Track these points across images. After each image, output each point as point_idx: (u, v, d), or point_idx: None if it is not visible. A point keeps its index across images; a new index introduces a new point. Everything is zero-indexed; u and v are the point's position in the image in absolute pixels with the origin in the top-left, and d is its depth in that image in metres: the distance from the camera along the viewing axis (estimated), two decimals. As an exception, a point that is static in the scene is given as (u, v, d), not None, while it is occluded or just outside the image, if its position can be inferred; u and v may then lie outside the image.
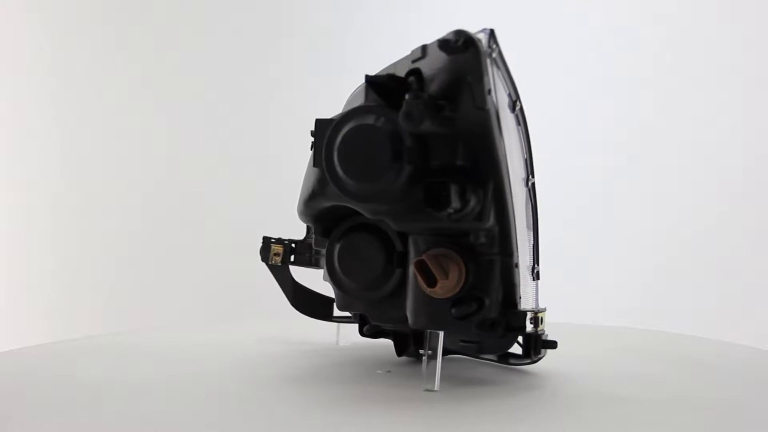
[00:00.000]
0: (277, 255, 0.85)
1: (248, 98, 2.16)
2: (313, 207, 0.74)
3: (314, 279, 0.84)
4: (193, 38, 2.23)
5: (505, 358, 0.78)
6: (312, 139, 0.71)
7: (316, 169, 0.70)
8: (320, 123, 0.69)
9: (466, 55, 0.62)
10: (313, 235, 0.77)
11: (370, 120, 0.65)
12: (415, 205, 0.65)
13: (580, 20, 1.89)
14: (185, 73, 2.22)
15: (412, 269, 0.68)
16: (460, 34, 0.62)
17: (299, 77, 2.13)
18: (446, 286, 0.66)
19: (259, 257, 0.86)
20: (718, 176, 1.79)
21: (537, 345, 0.72)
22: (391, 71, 0.68)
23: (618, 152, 1.80)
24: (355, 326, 0.85)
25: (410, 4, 2.10)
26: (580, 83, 1.82)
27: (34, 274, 2.33)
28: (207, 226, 2.01)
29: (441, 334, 0.68)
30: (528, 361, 0.75)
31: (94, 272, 2.26)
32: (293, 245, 0.85)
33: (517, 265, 0.68)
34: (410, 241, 0.70)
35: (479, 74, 0.63)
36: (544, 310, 0.71)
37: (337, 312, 0.85)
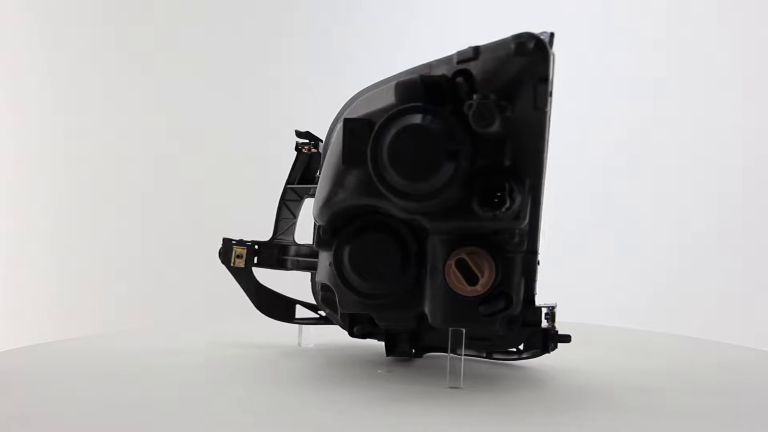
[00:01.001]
0: (240, 257, 0.84)
1: (248, 98, 2.16)
2: (336, 206, 0.72)
3: (276, 281, 0.84)
4: (192, 38, 2.23)
5: (495, 353, 0.81)
6: (297, 139, 0.73)
7: (340, 167, 0.70)
8: (352, 122, 0.68)
9: (535, 57, 0.64)
10: (320, 236, 0.74)
11: (421, 119, 0.65)
12: (456, 203, 0.66)
13: (580, 20, 1.89)
14: (185, 73, 2.22)
15: (449, 267, 0.68)
16: (531, 36, 0.64)
17: (299, 76, 2.13)
18: (482, 284, 0.67)
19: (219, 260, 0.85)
20: (719, 176, 1.79)
21: (554, 340, 0.75)
22: (424, 71, 0.69)
23: (618, 152, 1.80)
24: (316, 327, 0.86)
25: (410, 4, 2.09)
26: (581, 83, 1.82)
27: (34, 274, 2.33)
28: (207, 226, 2.01)
29: (463, 331, 0.69)
30: (519, 356, 0.79)
31: (94, 272, 2.26)
32: (256, 246, 0.85)
33: (539, 262, 0.70)
34: (431, 240, 0.70)
35: (546, 76, 0.65)
36: (555, 306, 0.74)
37: (300, 314, 0.86)
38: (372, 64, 2.04)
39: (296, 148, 0.84)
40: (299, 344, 0.90)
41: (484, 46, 0.66)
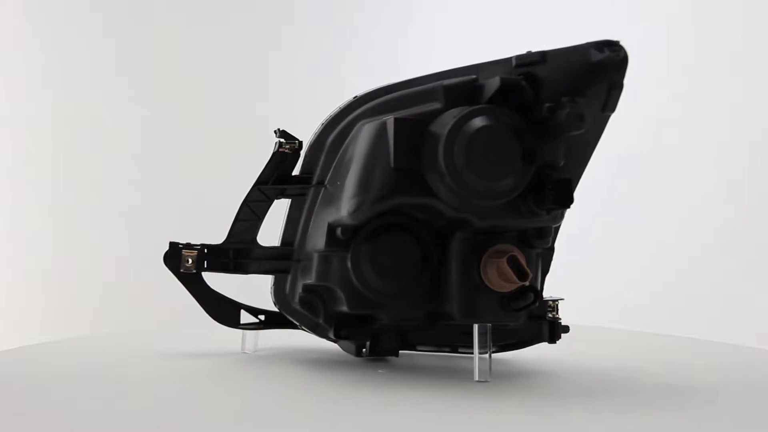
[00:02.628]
0: (190, 262, 0.81)
1: (248, 98, 2.16)
2: (382, 206, 0.71)
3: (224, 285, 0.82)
4: (193, 38, 2.23)
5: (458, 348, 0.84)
6: (279, 139, 0.73)
7: (386, 167, 0.69)
8: (402, 123, 0.69)
9: (614, 64, 0.67)
10: (336, 236, 0.73)
11: (497, 121, 0.67)
12: (513, 201, 0.68)
13: (580, 20, 1.89)
14: (186, 73, 2.22)
15: (493, 264, 0.70)
16: (610, 43, 0.67)
17: (299, 76, 2.13)
18: (530, 280, 0.70)
19: (165, 265, 0.80)
20: (724, 177, 1.79)
21: (558, 331, 0.78)
22: (473, 74, 0.71)
23: (622, 153, 1.79)
24: (255, 332, 0.85)
25: (409, 5, 2.09)
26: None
27: (34, 274, 2.33)
28: (208, 226, 2.00)
29: (489, 326, 0.71)
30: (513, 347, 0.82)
31: (94, 272, 2.26)
32: (206, 250, 0.81)
33: (552, 258, 0.74)
34: (457, 239, 0.71)
35: (621, 82, 0.68)
36: (561, 299, 0.78)
37: (245, 319, 0.84)
38: (372, 64, 2.04)
39: (279, 148, 0.80)
40: (242, 350, 0.86)
41: (552, 51, 0.68)
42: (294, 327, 0.83)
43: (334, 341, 0.83)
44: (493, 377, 0.72)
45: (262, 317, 0.86)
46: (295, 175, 0.80)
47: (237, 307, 0.84)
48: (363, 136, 0.73)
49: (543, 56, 0.68)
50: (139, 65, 2.27)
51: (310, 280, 0.75)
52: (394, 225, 0.72)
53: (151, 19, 2.27)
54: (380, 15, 2.12)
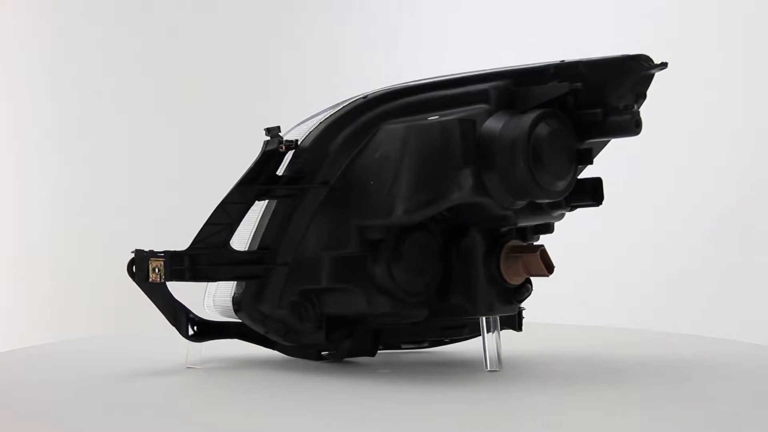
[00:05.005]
0: (157, 271, 0.75)
1: (250, 98, 2.16)
2: (441, 206, 0.72)
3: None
4: (191, 38, 2.23)
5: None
6: (271, 137, 0.73)
7: (443, 167, 0.70)
8: (466, 123, 0.70)
9: (645, 76, 0.73)
10: (368, 238, 0.73)
11: (562, 124, 0.71)
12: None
13: (579, 20, 1.89)
14: (187, 72, 2.22)
15: (516, 259, 0.74)
16: (646, 57, 0.72)
17: (299, 75, 2.13)
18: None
19: (129, 275, 0.74)
20: (718, 176, 1.79)
21: (521, 320, 0.83)
22: (507, 78, 0.74)
23: (618, 151, 1.79)
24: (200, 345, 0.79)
25: (408, 5, 2.09)
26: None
27: (34, 274, 2.33)
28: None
29: (497, 318, 0.75)
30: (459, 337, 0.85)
31: (94, 272, 2.26)
32: (171, 257, 0.75)
33: None
34: (471, 235, 0.75)
35: (646, 92, 0.74)
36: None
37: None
38: (371, 65, 2.04)
39: (279, 146, 0.76)
40: (187, 365, 0.80)
41: (589, 61, 0.73)
42: (231, 336, 0.81)
43: (291, 348, 0.81)
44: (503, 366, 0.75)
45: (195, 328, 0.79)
46: (282, 176, 0.76)
47: (189, 316, 0.79)
48: (408, 135, 0.72)
49: (583, 66, 0.73)
50: (139, 65, 2.27)
51: (314, 283, 0.74)
52: (416, 224, 0.74)
53: (151, 19, 2.27)
54: (380, 15, 2.12)
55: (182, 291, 0.79)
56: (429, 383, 0.74)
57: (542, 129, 0.70)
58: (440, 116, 0.72)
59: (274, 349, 0.83)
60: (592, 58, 0.73)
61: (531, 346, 0.87)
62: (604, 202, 0.77)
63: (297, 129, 0.79)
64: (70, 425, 0.60)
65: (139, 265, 0.75)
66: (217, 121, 2.18)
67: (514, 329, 0.82)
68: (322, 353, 0.82)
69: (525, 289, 0.76)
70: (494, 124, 0.70)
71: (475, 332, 0.78)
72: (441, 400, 0.67)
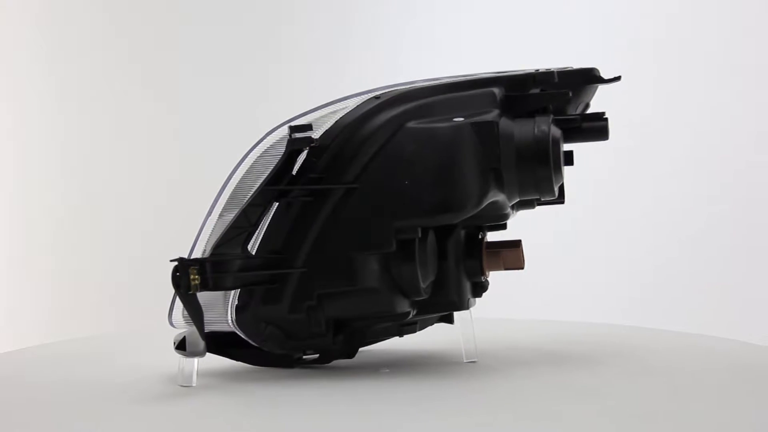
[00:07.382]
0: (196, 281, 0.70)
1: (247, 99, 2.16)
2: (482, 203, 0.74)
3: None
4: (191, 37, 2.23)
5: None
6: (305, 134, 0.73)
7: (480, 168, 0.73)
8: (482, 126, 0.73)
9: (603, 85, 0.81)
10: (398, 238, 0.72)
11: (557, 130, 0.76)
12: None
13: (579, 20, 1.89)
14: (187, 72, 2.23)
15: (503, 252, 0.79)
16: (596, 70, 0.80)
17: (299, 75, 2.13)
18: None
19: (174, 286, 0.69)
20: (716, 176, 1.79)
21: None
22: (494, 85, 0.78)
23: (615, 150, 1.80)
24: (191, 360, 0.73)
25: (407, 6, 2.09)
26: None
27: (34, 274, 2.33)
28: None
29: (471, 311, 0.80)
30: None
31: (94, 272, 2.26)
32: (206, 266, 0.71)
33: None
34: (458, 232, 0.78)
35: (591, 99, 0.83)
36: None
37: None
38: (370, 65, 2.05)
39: (310, 144, 0.73)
40: (181, 384, 0.73)
41: (560, 71, 0.79)
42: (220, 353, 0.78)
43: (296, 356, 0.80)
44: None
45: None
46: (300, 177, 0.74)
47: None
48: (441, 135, 0.73)
49: (555, 75, 0.78)
50: (138, 65, 2.27)
51: (339, 286, 0.73)
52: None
53: (151, 19, 2.27)
54: (380, 15, 2.12)
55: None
56: (417, 379, 0.75)
57: (556, 132, 0.75)
58: (465, 117, 0.74)
59: (238, 360, 0.79)
60: (563, 68, 0.79)
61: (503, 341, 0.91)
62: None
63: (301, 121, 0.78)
64: (70, 425, 0.60)
65: (183, 276, 0.70)
66: (217, 121, 2.18)
67: (450, 323, 0.84)
68: (304, 356, 0.80)
69: (487, 283, 0.81)
70: (507, 126, 0.74)
71: (424, 327, 0.83)
72: (429, 396, 0.69)
